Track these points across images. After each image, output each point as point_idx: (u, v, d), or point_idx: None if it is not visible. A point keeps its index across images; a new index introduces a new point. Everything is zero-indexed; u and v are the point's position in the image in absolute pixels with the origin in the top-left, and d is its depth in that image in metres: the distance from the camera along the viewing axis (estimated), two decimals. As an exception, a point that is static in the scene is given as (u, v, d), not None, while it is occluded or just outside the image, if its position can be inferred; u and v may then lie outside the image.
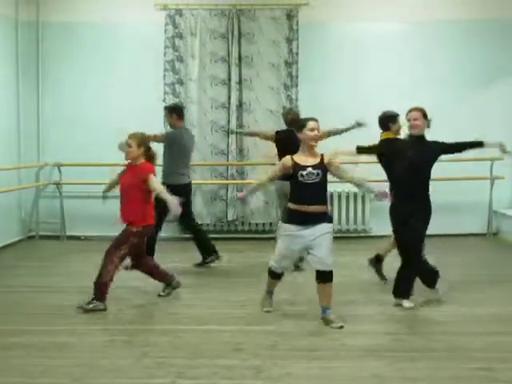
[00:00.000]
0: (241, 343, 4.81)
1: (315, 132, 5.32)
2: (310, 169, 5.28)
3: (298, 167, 5.31)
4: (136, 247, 5.87)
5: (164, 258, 7.08)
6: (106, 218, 9.34)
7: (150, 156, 5.94)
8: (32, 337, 4.98)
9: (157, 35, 9.16)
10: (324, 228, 5.28)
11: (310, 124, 5.33)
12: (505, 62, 9.33)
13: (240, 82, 9.24)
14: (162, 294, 6.15)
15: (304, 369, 4.32)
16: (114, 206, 9.27)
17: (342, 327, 5.20)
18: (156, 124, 8.35)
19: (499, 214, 9.36)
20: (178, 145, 7.32)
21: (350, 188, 9.23)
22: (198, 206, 9.29)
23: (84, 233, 9.42)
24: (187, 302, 6.01)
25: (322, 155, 5.39)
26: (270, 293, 5.73)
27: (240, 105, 9.27)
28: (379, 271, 6.73)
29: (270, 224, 9.34)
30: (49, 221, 9.42)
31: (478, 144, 6.00)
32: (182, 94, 9.20)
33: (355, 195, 9.39)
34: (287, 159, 5.40)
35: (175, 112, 7.45)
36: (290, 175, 5.37)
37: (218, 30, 9.24)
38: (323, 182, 5.32)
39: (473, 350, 4.67)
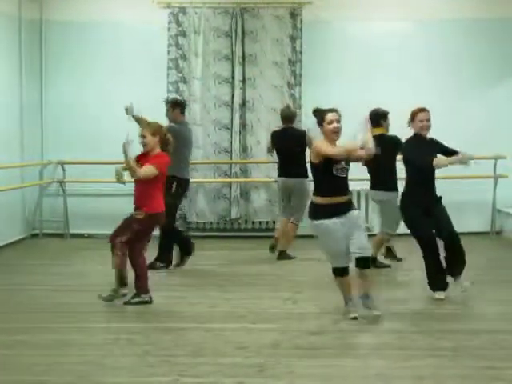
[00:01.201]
0: (244, 341, 4.79)
1: (334, 124, 5.17)
2: (343, 163, 5.21)
3: (333, 161, 5.16)
4: (138, 234, 5.81)
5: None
6: (110, 216, 9.36)
7: (165, 142, 5.97)
8: (35, 335, 4.98)
9: (160, 33, 9.16)
10: (356, 215, 5.30)
11: (329, 117, 5.20)
12: (509, 60, 9.29)
13: (243, 81, 9.23)
14: (130, 301, 5.82)
15: (307, 367, 4.31)
16: (117, 204, 9.41)
17: (378, 316, 5.24)
18: (159, 122, 8.31)
19: (503, 213, 9.34)
20: (184, 139, 7.20)
21: (353, 187, 9.18)
22: (201, 204, 9.30)
23: (87, 231, 9.42)
24: (190, 301, 5.99)
25: None
26: (348, 299, 5.39)
27: (243, 103, 9.25)
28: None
29: (273, 222, 9.32)
30: (52, 219, 9.43)
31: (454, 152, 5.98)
32: (185, 92, 9.19)
33: (358, 194, 9.34)
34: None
35: (179, 107, 7.41)
36: (322, 166, 5.19)
37: (222, 28, 9.24)
38: (348, 173, 5.32)
39: (477, 348, 4.65)
